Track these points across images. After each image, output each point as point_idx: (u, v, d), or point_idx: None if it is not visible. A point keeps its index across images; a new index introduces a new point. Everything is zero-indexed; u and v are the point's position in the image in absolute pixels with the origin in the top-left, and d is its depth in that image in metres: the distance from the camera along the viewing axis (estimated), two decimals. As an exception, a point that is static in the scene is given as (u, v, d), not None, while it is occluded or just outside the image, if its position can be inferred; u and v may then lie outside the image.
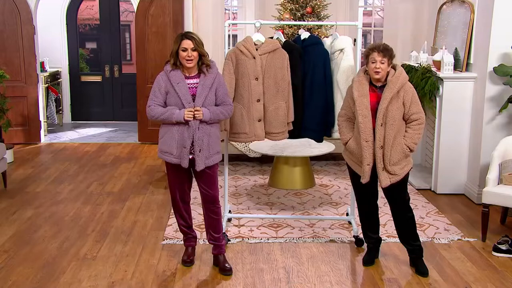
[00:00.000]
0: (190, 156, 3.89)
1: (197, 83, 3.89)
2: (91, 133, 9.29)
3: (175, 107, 3.84)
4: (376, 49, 3.88)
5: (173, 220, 4.95)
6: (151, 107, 3.89)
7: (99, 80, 10.27)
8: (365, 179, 3.97)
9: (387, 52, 3.88)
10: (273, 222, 5.06)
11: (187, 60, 3.81)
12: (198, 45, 3.82)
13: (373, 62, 3.88)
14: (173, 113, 3.82)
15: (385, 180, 3.93)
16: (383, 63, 3.87)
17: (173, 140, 3.87)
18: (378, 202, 4.23)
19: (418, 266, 4.10)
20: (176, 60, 3.85)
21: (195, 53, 3.82)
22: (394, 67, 3.98)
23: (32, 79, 8.12)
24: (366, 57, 3.95)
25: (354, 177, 4.11)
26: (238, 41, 4.76)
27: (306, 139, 5.01)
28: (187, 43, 3.79)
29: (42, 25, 8.94)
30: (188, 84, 3.87)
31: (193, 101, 3.84)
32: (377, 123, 3.89)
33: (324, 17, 8.07)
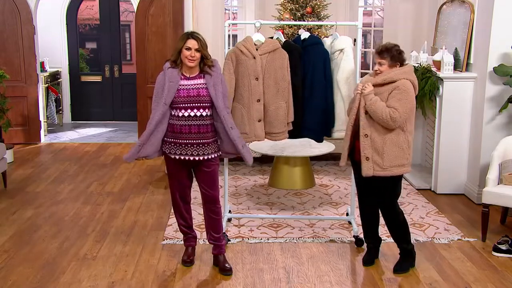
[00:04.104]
0: (186, 158, 3.90)
1: (202, 84, 3.86)
2: (91, 133, 9.29)
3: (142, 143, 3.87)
4: (376, 51, 3.92)
5: (173, 220, 4.95)
6: (149, 121, 3.90)
7: (99, 80, 10.27)
8: (342, 162, 4.10)
9: (386, 53, 3.88)
10: (273, 222, 5.06)
11: (189, 59, 3.80)
12: (203, 47, 3.82)
13: (375, 63, 3.94)
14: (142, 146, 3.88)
15: (368, 170, 3.90)
16: (382, 64, 3.89)
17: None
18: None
19: (397, 263, 4.12)
20: (177, 58, 3.85)
21: (198, 54, 3.81)
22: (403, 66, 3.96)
23: (32, 79, 8.12)
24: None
25: (355, 173, 4.12)
26: (238, 41, 4.76)
27: (306, 139, 5.01)
28: (192, 43, 3.79)
29: (42, 25, 8.93)
30: (188, 84, 3.85)
31: (191, 103, 3.83)
32: (360, 111, 3.91)
33: (324, 17, 8.07)
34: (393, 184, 3.99)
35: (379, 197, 4.06)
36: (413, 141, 4.06)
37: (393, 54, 3.88)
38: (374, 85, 3.90)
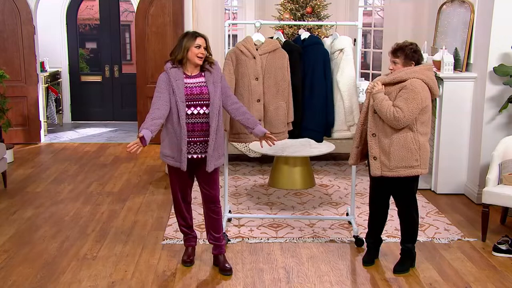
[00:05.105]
0: (189, 156, 3.89)
1: (202, 82, 3.89)
2: (91, 133, 9.29)
3: (147, 130, 3.71)
4: (390, 50, 3.94)
5: (173, 220, 4.95)
6: (149, 113, 3.84)
7: (99, 80, 10.27)
8: (350, 161, 4.14)
9: (399, 52, 3.89)
10: (273, 222, 5.06)
11: (199, 57, 3.85)
12: (208, 45, 3.91)
13: (391, 62, 3.96)
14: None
15: (376, 169, 3.91)
16: (396, 63, 3.90)
17: (173, 144, 3.89)
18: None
19: (397, 263, 4.12)
20: (183, 56, 3.86)
21: (205, 52, 3.88)
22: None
23: (32, 79, 8.12)
24: None
25: (369, 172, 4.12)
26: (238, 41, 4.76)
27: (306, 139, 5.01)
28: (202, 41, 3.86)
29: (42, 25, 8.94)
30: (191, 83, 3.87)
31: (194, 101, 3.84)
32: (369, 109, 3.92)
33: (324, 17, 8.07)
34: (402, 185, 3.95)
35: (394, 195, 4.06)
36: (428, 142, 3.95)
37: (406, 53, 3.86)
38: (385, 85, 3.89)
